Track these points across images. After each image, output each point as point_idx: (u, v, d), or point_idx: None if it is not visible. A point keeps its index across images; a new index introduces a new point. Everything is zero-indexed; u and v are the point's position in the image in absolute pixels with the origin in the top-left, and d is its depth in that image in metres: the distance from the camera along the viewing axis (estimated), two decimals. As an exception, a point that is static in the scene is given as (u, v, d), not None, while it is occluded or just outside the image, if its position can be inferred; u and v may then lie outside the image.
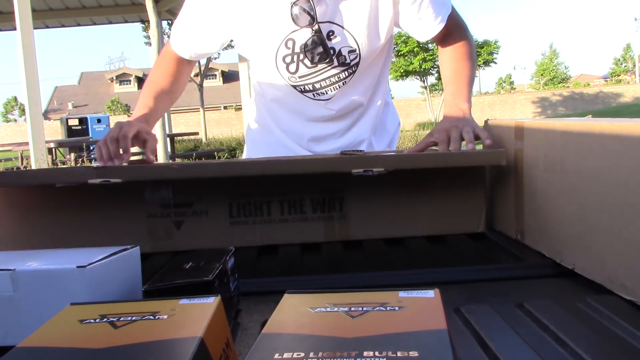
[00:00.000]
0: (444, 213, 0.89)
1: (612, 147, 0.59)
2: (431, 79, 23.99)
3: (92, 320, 0.38)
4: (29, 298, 0.49)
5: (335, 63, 1.11)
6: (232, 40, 1.18)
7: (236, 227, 0.88)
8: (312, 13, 1.04)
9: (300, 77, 1.13)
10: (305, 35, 1.07)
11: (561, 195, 0.69)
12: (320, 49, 1.08)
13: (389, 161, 0.80)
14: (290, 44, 1.09)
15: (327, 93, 1.16)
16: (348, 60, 1.12)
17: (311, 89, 1.16)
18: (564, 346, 0.48)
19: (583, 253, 0.65)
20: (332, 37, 1.08)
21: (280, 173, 0.82)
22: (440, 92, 24.63)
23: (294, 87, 1.16)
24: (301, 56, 1.10)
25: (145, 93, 1.18)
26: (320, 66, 1.11)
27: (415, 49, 21.31)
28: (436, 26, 1.10)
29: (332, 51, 1.10)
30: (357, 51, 1.11)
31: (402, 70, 21.79)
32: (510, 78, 53.92)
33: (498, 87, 54.14)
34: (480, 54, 22.35)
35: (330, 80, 1.14)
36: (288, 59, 1.11)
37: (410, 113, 25.08)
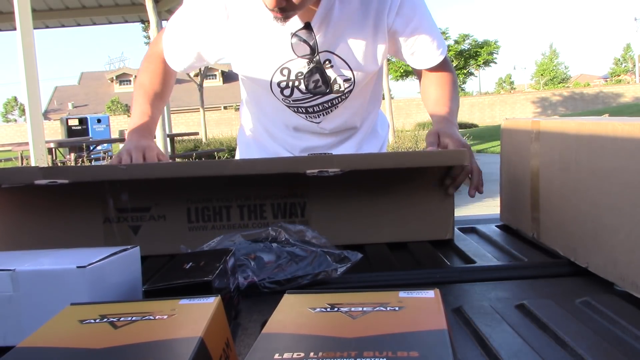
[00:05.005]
0: (410, 219, 0.87)
1: (625, 147, 0.59)
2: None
3: (92, 320, 0.38)
4: (29, 298, 0.49)
5: (331, 91, 1.11)
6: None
7: (195, 232, 0.85)
8: (311, 43, 1.03)
9: (294, 100, 1.13)
10: (301, 64, 1.06)
11: (575, 195, 0.70)
12: (318, 78, 1.07)
13: (345, 161, 0.77)
14: (285, 72, 1.08)
15: (319, 117, 1.16)
16: (342, 88, 1.11)
17: (304, 111, 1.15)
18: (564, 346, 0.48)
19: (596, 252, 0.65)
20: (328, 66, 1.07)
21: (232, 174, 0.77)
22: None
23: (287, 106, 1.15)
24: (297, 83, 1.09)
25: (141, 99, 1.15)
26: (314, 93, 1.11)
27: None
28: (438, 56, 1.09)
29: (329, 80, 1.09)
30: (352, 79, 1.10)
31: (402, 71, 21.76)
32: (510, 78, 53.96)
33: (498, 87, 54.17)
34: (480, 54, 22.35)
35: (323, 106, 1.14)
36: (283, 84, 1.10)
37: (410, 113, 25.05)
